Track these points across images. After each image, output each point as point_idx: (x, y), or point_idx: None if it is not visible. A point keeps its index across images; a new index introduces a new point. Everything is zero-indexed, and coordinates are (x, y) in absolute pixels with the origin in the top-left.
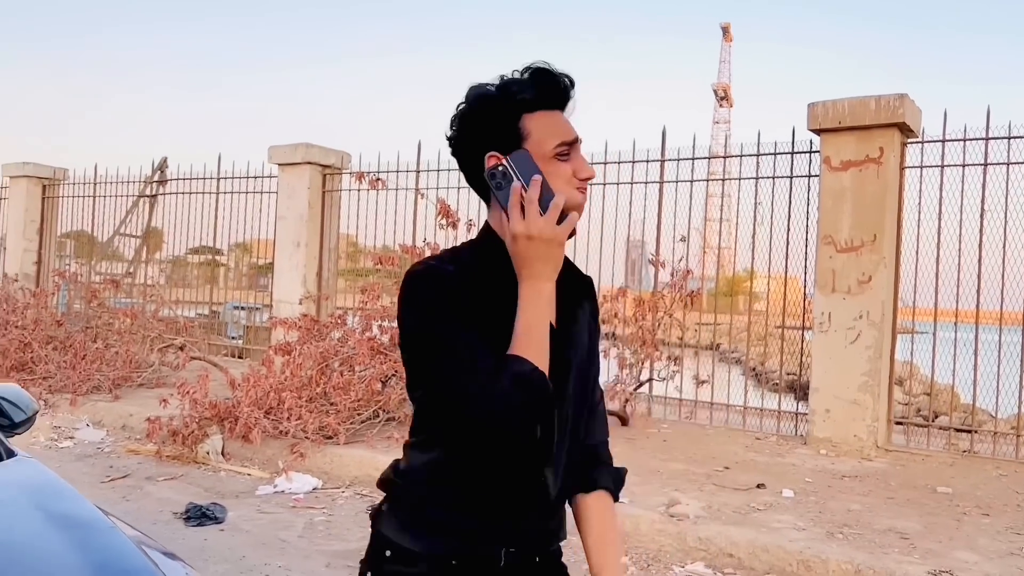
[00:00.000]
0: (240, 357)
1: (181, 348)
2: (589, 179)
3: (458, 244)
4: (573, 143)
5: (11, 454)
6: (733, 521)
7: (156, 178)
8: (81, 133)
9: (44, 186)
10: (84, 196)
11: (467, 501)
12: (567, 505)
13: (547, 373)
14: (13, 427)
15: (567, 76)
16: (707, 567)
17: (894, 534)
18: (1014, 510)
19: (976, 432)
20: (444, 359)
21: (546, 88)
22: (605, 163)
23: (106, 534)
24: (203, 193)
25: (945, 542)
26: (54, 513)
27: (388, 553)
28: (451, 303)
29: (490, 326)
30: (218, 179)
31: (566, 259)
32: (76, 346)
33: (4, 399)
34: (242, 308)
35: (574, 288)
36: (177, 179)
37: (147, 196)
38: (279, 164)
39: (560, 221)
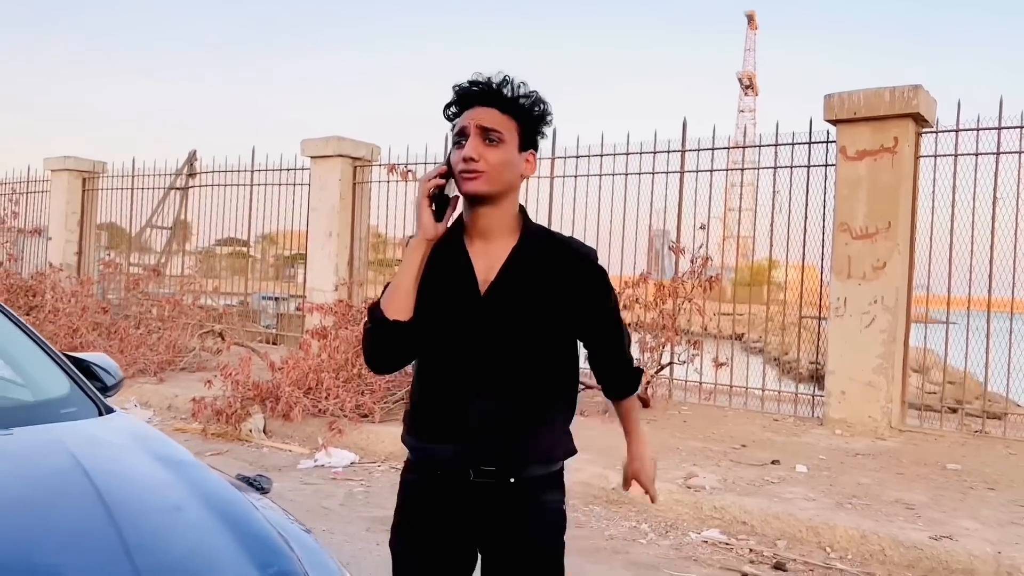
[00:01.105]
0: (274, 343)
1: (220, 335)
2: (464, 159)
3: None
4: (461, 132)
5: (110, 411)
6: (747, 492)
7: (186, 171)
8: (114, 125)
9: (84, 179)
10: (122, 188)
11: (413, 421)
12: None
13: (392, 311)
14: (106, 390)
15: (473, 80)
16: (722, 533)
17: (901, 505)
18: (1020, 485)
19: (1000, 418)
20: None
21: (457, 96)
22: (628, 154)
23: (202, 470)
24: (237, 185)
25: (949, 512)
26: (159, 455)
27: (406, 460)
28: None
29: (425, 296)
30: (252, 171)
31: (559, 236)
32: (121, 332)
33: (98, 366)
34: (271, 298)
35: (553, 260)
36: (212, 171)
37: (178, 188)
38: (311, 157)
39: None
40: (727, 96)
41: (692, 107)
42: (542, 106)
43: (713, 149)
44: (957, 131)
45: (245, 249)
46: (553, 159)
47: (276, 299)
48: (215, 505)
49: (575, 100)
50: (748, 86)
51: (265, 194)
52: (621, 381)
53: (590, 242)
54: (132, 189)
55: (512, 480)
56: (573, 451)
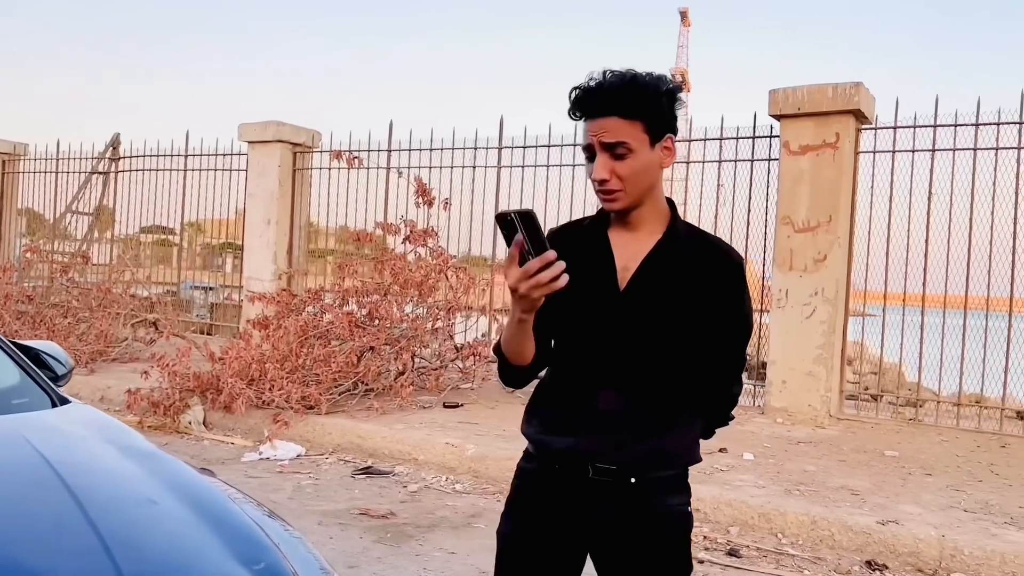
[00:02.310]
0: (208, 334)
1: (154, 324)
2: (597, 181)
3: (434, 220)
4: (588, 148)
5: (65, 401)
6: (698, 480)
7: (108, 155)
8: (40, 109)
9: (3, 161)
10: (45, 172)
11: (536, 409)
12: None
13: (514, 360)
14: (57, 379)
15: (586, 86)
16: None
17: (846, 491)
18: (954, 470)
19: (920, 406)
20: None
21: (572, 104)
22: (549, 146)
23: (172, 462)
24: (170, 170)
25: (892, 497)
26: (125, 446)
27: (525, 449)
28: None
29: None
30: (186, 156)
31: (705, 234)
32: (47, 321)
33: (47, 354)
34: (199, 288)
35: (696, 256)
36: (143, 156)
37: (100, 172)
38: (249, 142)
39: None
40: None
41: None
42: (666, 91)
43: None
44: (895, 128)
45: (171, 237)
46: (500, 149)
47: (206, 289)
48: (190, 498)
49: (510, 95)
50: (681, 82)
51: (200, 180)
52: (709, 406)
53: (707, 230)
54: (56, 173)
55: (633, 480)
56: (697, 459)
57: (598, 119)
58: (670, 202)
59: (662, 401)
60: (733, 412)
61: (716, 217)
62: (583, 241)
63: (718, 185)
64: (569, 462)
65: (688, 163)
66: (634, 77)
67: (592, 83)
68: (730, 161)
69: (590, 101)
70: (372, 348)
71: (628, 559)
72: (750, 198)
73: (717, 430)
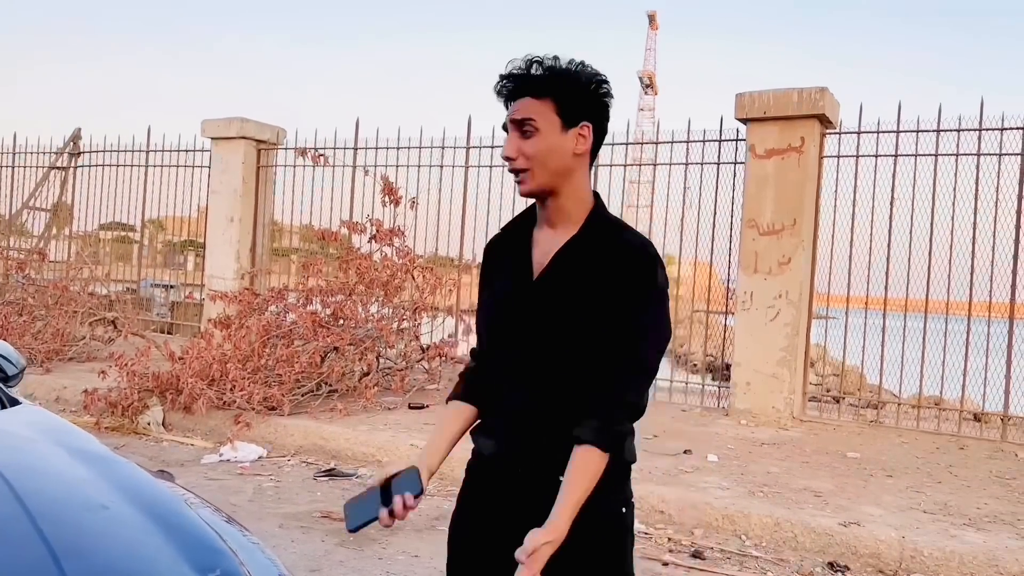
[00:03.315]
0: (169, 333)
1: (113, 323)
2: (504, 160)
3: (400, 219)
4: (504, 130)
5: (15, 402)
6: (663, 482)
7: (68, 150)
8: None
9: None
10: (2, 167)
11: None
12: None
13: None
14: (7, 380)
15: (500, 75)
16: (640, 523)
17: (809, 492)
18: (914, 472)
19: (880, 408)
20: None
21: (496, 91)
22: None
23: (125, 466)
24: (131, 166)
25: (854, 499)
26: (76, 449)
27: None
28: (482, 274)
29: (493, 277)
30: (147, 152)
31: (616, 225)
32: (2, 319)
33: None
34: (160, 286)
35: (604, 250)
36: (104, 151)
37: (59, 168)
38: (213, 138)
39: None
40: (627, 95)
41: None
42: (578, 72)
43: (628, 144)
44: (859, 133)
45: (131, 234)
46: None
47: (167, 287)
48: (144, 503)
49: (478, 97)
50: (648, 85)
51: (162, 176)
52: (592, 416)
53: (623, 218)
54: (13, 167)
55: (561, 479)
56: (625, 458)
57: (514, 101)
58: (597, 196)
59: (567, 399)
60: (631, 428)
61: (683, 219)
62: (511, 240)
63: (685, 188)
64: (496, 464)
65: (655, 165)
66: (545, 60)
67: (505, 70)
68: (697, 164)
69: (507, 84)
70: (336, 349)
71: (560, 561)
72: (716, 201)
73: (612, 445)
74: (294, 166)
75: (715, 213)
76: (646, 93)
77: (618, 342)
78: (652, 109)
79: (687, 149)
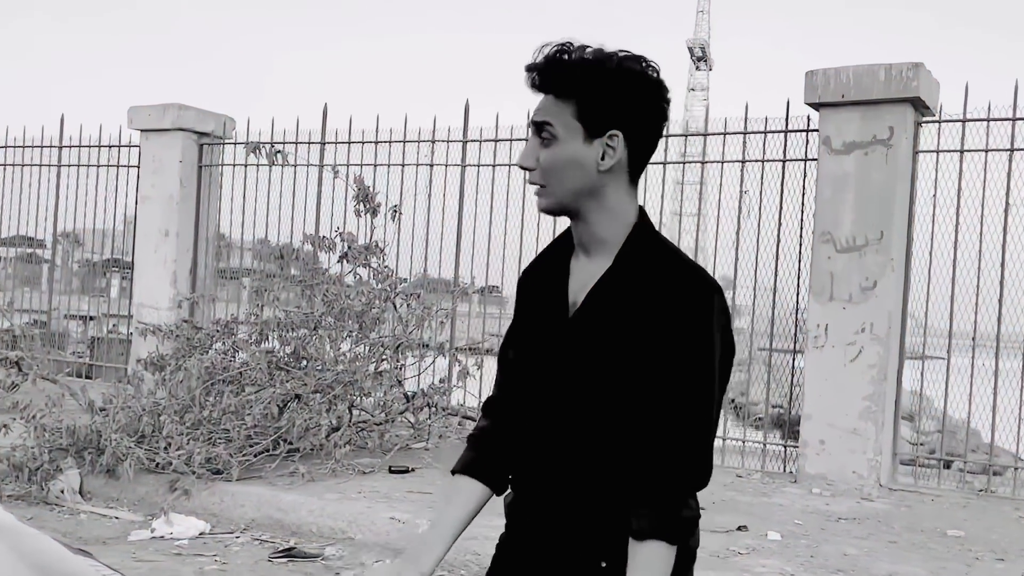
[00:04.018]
0: (88, 377)
1: (17, 364)
2: (520, 167)
3: (379, 233)
4: (528, 128)
5: None
6: (711, 566)
7: None
8: None
9: None
10: None
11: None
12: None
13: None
14: None
15: (537, 60)
16: None
17: None
18: None
19: (993, 474)
20: None
21: (525, 80)
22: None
23: (36, 539)
24: (38, 165)
25: None
26: None
27: None
28: (515, 309)
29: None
30: (60, 147)
31: (665, 256)
32: None
33: None
34: (76, 318)
35: (647, 286)
36: (5, 147)
37: None
38: (142, 130)
39: None
40: (674, 71)
41: None
42: (610, 66)
43: (667, 136)
44: (964, 121)
45: (40, 251)
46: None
47: (85, 319)
48: None
49: (479, 80)
50: (701, 58)
51: (79, 178)
52: (650, 499)
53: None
54: None
55: (604, 565)
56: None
57: (539, 96)
58: (641, 215)
59: (614, 468)
60: (698, 509)
61: (738, 232)
62: (547, 268)
63: (741, 191)
64: (529, 547)
65: (704, 163)
66: (568, 50)
67: (533, 59)
68: (756, 161)
69: (530, 76)
70: (298, 397)
71: None
72: (781, 208)
73: (680, 534)
74: (245, 165)
75: (780, 224)
76: (698, 68)
77: (673, 398)
78: (705, 89)
79: (744, 142)
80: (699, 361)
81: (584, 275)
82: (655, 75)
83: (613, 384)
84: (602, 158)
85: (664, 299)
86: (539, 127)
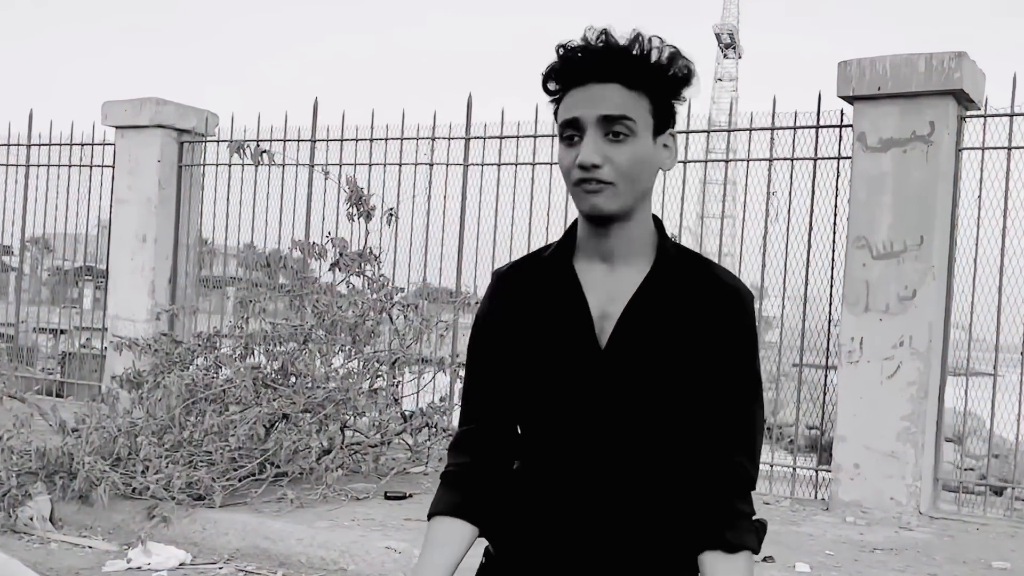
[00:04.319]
0: (59, 395)
1: None
2: (583, 168)
3: (374, 238)
4: (571, 123)
5: None
6: None
7: None
8: None
9: None
10: None
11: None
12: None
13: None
14: None
15: (581, 44)
16: None
17: None
18: None
19: None
20: (465, 382)
21: (559, 65)
22: (536, 136)
23: (7, 564)
24: (7, 165)
25: None
26: None
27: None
28: (485, 322)
29: (516, 347)
30: (28, 146)
31: (705, 261)
32: None
33: None
34: (46, 331)
35: (696, 294)
36: None
37: None
38: (118, 127)
39: None
40: (699, 59)
41: None
42: (682, 64)
43: (688, 132)
44: (1012, 116)
45: (7, 258)
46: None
47: (55, 332)
48: None
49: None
50: (729, 45)
51: (49, 179)
52: (721, 513)
53: (707, 255)
54: None
55: None
56: None
57: (591, 85)
58: (657, 221)
59: (667, 498)
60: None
61: (765, 236)
62: (543, 282)
63: (768, 192)
64: None
65: (728, 162)
66: (650, 38)
67: (592, 39)
68: (785, 159)
69: (585, 61)
70: (286, 417)
71: None
72: (812, 211)
73: (758, 540)
74: (229, 165)
75: (810, 228)
76: (726, 56)
77: (736, 409)
78: (734, 79)
79: (772, 139)
80: (753, 369)
81: (609, 287)
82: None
83: (667, 403)
84: (664, 159)
85: (717, 310)
86: (612, 120)
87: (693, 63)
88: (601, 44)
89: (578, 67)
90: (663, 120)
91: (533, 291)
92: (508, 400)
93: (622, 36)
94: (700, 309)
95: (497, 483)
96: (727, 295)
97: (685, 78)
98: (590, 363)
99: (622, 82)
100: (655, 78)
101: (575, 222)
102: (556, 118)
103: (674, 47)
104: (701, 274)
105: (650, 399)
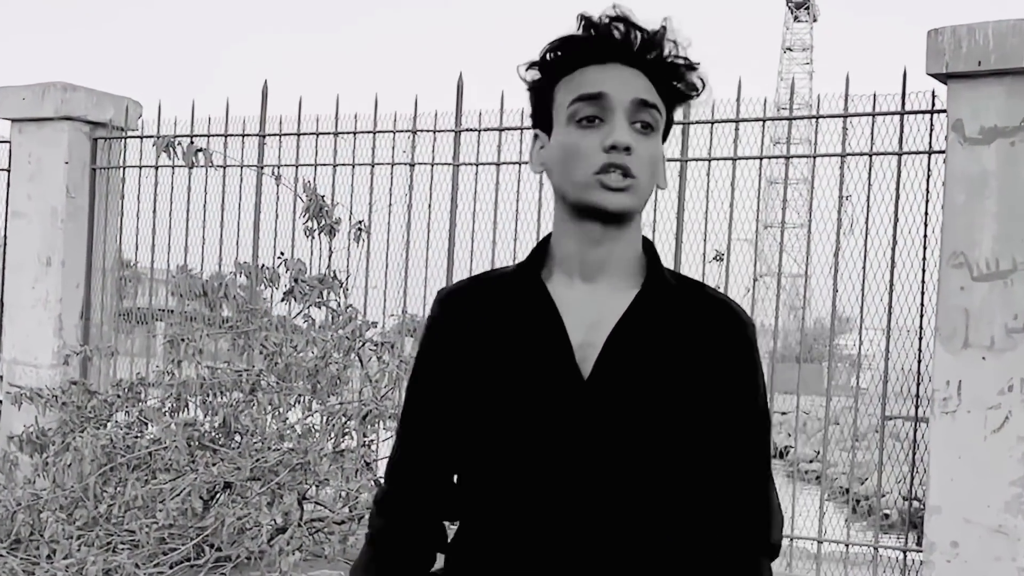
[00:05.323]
0: None
1: None
2: (614, 147)
3: (339, 259)
4: (596, 98)
5: None
6: None
7: None
8: None
9: None
10: None
11: None
12: None
13: None
14: None
15: (613, 17)
16: None
17: None
18: None
19: None
20: (399, 426)
21: (583, 39)
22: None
23: None
24: None
25: None
26: None
27: None
28: (428, 355)
29: (472, 383)
30: None
31: (697, 283)
32: None
33: None
34: None
35: (692, 321)
36: None
37: None
38: (13, 120)
39: None
40: (765, 23)
41: (701, 39)
42: (697, 77)
43: (737, 121)
44: None
45: None
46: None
47: None
48: None
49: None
50: (801, 4)
51: None
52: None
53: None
54: None
55: None
56: None
57: (616, 66)
58: (646, 241)
59: (664, 557)
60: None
61: (836, 252)
62: (511, 304)
63: (840, 196)
64: None
65: (788, 158)
66: (678, 34)
67: (622, 15)
68: (860, 155)
69: (618, 40)
70: (229, 486)
71: None
72: (896, 220)
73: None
74: (156, 167)
75: (894, 241)
76: (797, 20)
77: (746, 448)
78: (807, 48)
79: (844, 129)
80: (759, 404)
81: (591, 310)
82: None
83: (661, 445)
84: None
85: (723, 336)
86: (645, 107)
87: (707, 79)
88: (636, 28)
89: (609, 44)
90: (667, 129)
91: (493, 314)
92: (452, 449)
93: (647, 23)
94: (698, 336)
95: (430, 548)
96: (732, 320)
97: (693, 93)
98: (570, 397)
99: (647, 73)
100: (675, 81)
101: (546, 238)
102: (549, 95)
103: (695, 62)
104: (698, 296)
105: (641, 439)
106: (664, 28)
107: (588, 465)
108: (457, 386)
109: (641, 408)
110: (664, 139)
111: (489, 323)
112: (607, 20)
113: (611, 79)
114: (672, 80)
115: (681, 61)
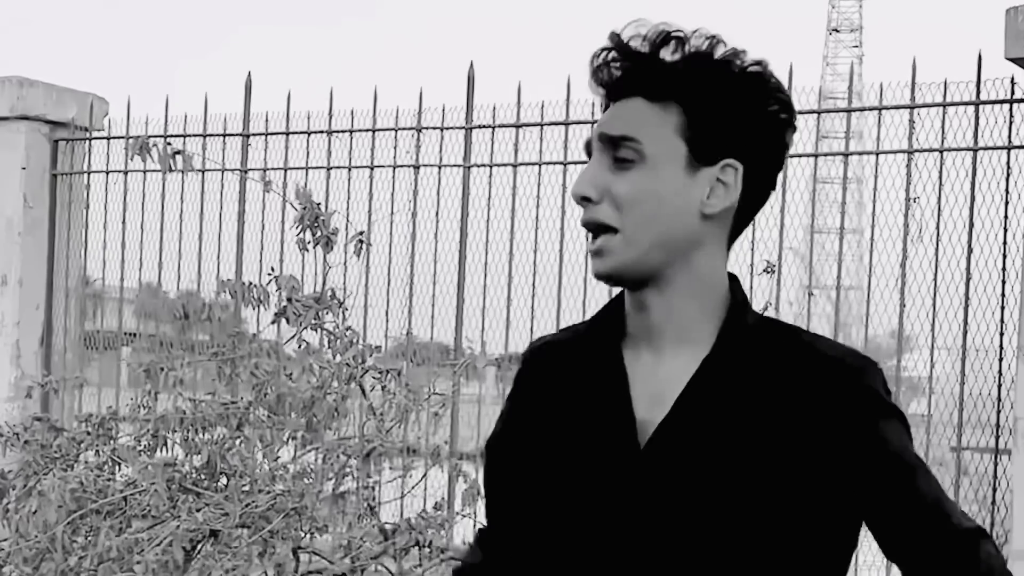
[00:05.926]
0: None
1: None
2: (577, 199)
3: (336, 275)
4: (587, 147)
5: None
6: None
7: None
8: None
9: None
10: None
11: None
12: None
13: None
14: None
15: (606, 46)
16: None
17: None
18: None
19: None
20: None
21: (591, 75)
22: (567, 123)
23: None
24: None
25: None
26: None
27: None
28: (508, 414)
29: (542, 457)
30: None
31: (804, 339)
32: None
33: None
34: None
35: (783, 386)
36: None
37: None
38: None
39: None
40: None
41: (737, 22)
42: (734, 69)
43: None
44: None
45: None
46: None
47: None
48: None
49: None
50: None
51: None
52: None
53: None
54: None
55: None
56: None
57: (618, 103)
58: (734, 284)
59: None
60: None
61: (904, 261)
62: (583, 370)
63: (907, 198)
64: None
65: (847, 155)
66: (669, 35)
67: (615, 39)
68: (930, 151)
69: (607, 70)
70: (215, 534)
71: None
72: (971, 224)
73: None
74: (125, 172)
75: (969, 249)
76: None
77: (903, 508)
78: (856, 29)
79: (911, 121)
80: (909, 454)
81: (655, 382)
82: (785, 89)
83: (731, 524)
84: (708, 197)
85: (830, 392)
86: (613, 143)
87: (764, 61)
88: (622, 48)
89: (604, 77)
90: (712, 143)
91: (569, 380)
92: (522, 517)
93: (664, 32)
94: (793, 401)
95: None
96: (840, 378)
97: (754, 94)
98: (625, 472)
99: (645, 94)
100: (689, 86)
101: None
102: None
103: (739, 52)
104: (794, 353)
105: (698, 516)
106: (661, 37)
107: (638, 543)
108: (527, 455)
109: (697, 486)
110: (713, 155)
111: (563, 389)
112: (599, 52)
113: (603, 120)
114: (676, 90)
115: (680, 66)
